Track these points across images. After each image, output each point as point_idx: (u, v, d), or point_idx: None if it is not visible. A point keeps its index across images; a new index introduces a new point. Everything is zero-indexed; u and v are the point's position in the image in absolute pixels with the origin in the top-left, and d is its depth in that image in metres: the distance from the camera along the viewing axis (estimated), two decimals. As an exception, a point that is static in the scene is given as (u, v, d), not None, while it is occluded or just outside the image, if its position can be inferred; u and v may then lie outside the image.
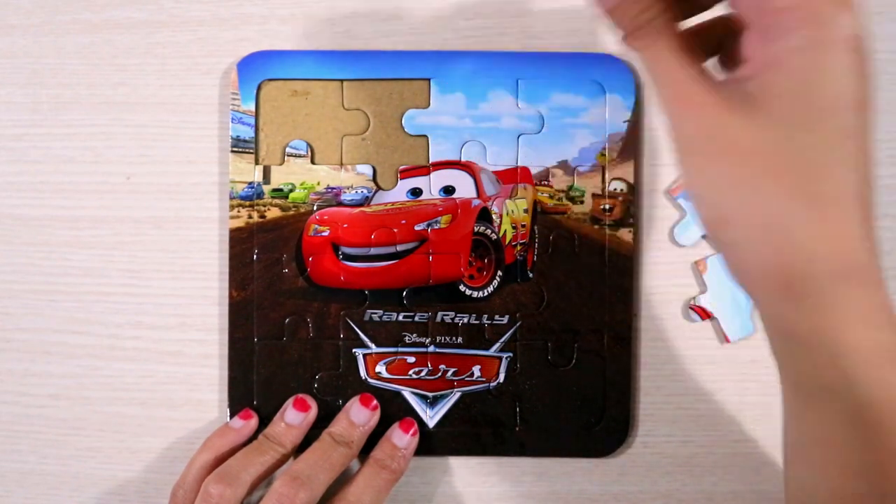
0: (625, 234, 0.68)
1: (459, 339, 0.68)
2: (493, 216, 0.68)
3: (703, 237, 0.69)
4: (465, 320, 0.68)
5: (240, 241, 0.68)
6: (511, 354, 0.68)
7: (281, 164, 0.68)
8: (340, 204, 0.68)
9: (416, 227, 0.68)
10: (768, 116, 0.44)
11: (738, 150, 0.45)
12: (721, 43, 0.50)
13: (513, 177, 0.68)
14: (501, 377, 0.68)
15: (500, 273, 0.68)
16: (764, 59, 0.44)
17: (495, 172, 0.68)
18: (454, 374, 0.68)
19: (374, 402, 0.68)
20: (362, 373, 0.68)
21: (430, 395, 0.68)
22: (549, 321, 0.68)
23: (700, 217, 0.47)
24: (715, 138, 0.45)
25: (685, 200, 0.68)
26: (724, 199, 0.46)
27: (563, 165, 0.68)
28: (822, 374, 0.46)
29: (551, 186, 0.68)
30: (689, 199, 0.48)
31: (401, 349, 0.68)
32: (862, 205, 0.44)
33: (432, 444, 0.69)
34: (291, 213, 0.68)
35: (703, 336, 0.69)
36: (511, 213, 0.68)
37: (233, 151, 0.68)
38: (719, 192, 0.46)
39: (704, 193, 0.47)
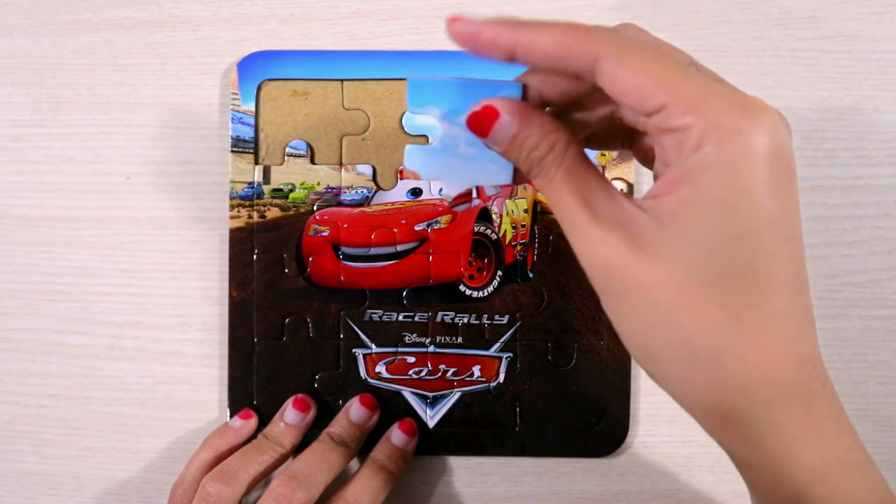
0: (625, 234, 0.68)
1: (459, 339, 0.68)
2: (493, 216, 0.68)
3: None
4: (465, 320, 0.68)
5: (240, 241, 0.68)
6: (511, 354, 0.68)
7: (281, 164, 0.68)
8: (340, 204, 0.68)
9: (416, 227, 0.68)
10: (679, 245, 0.41)
11: (646, 290, 0.42)
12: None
13: (513, 177, 0.68)
14: (501, 377, 0.68)
15: (500, 273, 0.68)
16: (673, 177, 0.41)
17: (496, 172, 0.68)
18: (454, 374, 0.68)
19: (374, 402, 0.68)
20: (362, 373, 0.68)
21: (429, 395, 0.68)
22: (549, 321, 0.68)
23: (629, 351, 0.45)
24: (619, 280, 0.43)
25: None
26: (646, 337, 0.44)
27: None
28: (776, 496, 0.46)
29: (552, 186, 0.68)
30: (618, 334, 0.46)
31: (401, 349, 0.68)
32: (796, 320, 0.42)
33: (432, 444, 0.69)
34: (291, 213, 0.68)
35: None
36: (511, 213, 0.68)
37: (233, 151, 0.68)
38: (639, 331, 0.44)
39: (624, 332, 0.45)
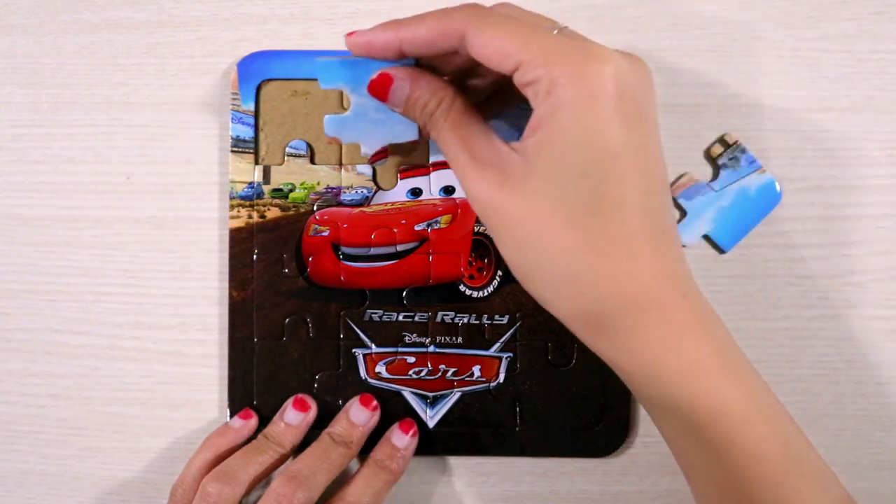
0: (625, 234, 0.68)
1: (459, 339, 0.68)
2: (494, 216, 0.68)
3: (704, 236, 0.69)
4: (465, 320, 0.68)
5: (240, 241, 0.68)
6: (511, 354, 0.68)
7: (281, 164, 0.68)
8: (340, 204, 0.68)
9: (416, 227, 0.68)
10: (540, 177, 0.49)
11: (516, 220, 0.50)
12: None
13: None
14: (501, 377, 0.68)
15: (500, 273, 0.68)
16: (533, 122, 0.49)
17: (496, 172, 0.68)
18: (454, 374, 0.68)
19: (374, 402, 0.68)
20: (362, 373, 0.68)
21: (430, 395, 0.68)
22: (550, 321, 0.67)
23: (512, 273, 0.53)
24: (496, 213, 0.51)
25: (685, 200, 0.68)
26: (521, 262, 0.52)
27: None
28: (648, 395, 0.53)
29: (552, 186, 0.68)
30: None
31: (401, 349, 0.68)
32: (648, 238, 0.50)
33: (432, 444, 0.69)
34: (291, 213, 0.68)
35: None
36: (511, 214, 0.68)
37: (233, 151, 0.68)
38: (516, 257, 0.52)
39: (507, 258, 0.52)
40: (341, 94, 0.68)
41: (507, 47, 0.48)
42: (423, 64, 0.55)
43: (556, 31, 0.51)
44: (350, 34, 0.54)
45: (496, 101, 0.59)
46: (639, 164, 0.49)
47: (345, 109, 0.67)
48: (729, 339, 0.53)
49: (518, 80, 0.49)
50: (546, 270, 0.51)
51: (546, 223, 0.49)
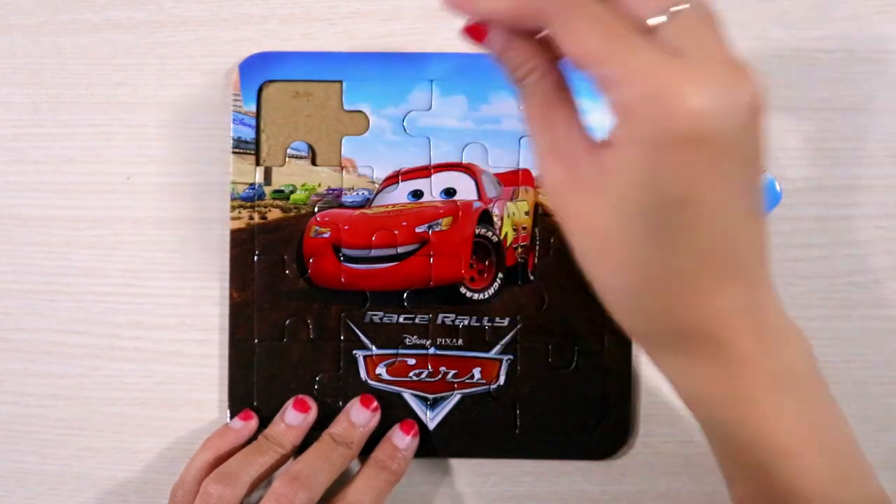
0: (625, 235, 0.68)
1: (460, 342, 0.68)
2: (495, 218, 0.68)
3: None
4: (466, 322, 0.68)
5: (241, 242, 0.68)
6: (511, 357, 0.68)
7: (282, 166, 0.68)
8: (341, 205, 0.68)
9: (417, 230, 0.68)
10: (613, 193, 0.44)
11: (578, 216, 0.46)
12: None
13: (514, 179, 0.68)
14: (502, 379, 0.68)
15: (500, 275, 0.68)
16: (614, 137, 0.43)
17: (497, 175, 0.68)
18: (454, 376, 0.68)
19: (375, 403, 0.68)
20: (362, 374, 0.68)
21: (430, 397, 0.68)
22: (550, 324, 0.68)
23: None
24: (559, 203, 0.47)
25: None
26: (584, 256, 0.47)
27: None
28: (697, 416, 0.50)
29: (553, 189, 0.68)
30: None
31: (401, 351, 0.68)
32: (734, 254, 0.45)
33: (432, 446, 0.69)
34: (292, 214, 0.68)
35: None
36: (512, 216, 0.68)
37: (234, 152, 0.68)
38: (578, 248, 0.47)
39: (570, 242, 0.48)
40: (341, 95, 0.68)
41: (590, 54, 0.42)
42: None
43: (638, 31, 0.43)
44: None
45: None
46: (720, 204, 0.43)
47: (344, 111, 0.67)
48: (802, 366, 0.49)
49: (598, 88, 0.43)
50: (611, 281, 0.47)
51: (612, 235, 0.45)
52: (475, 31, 0.48)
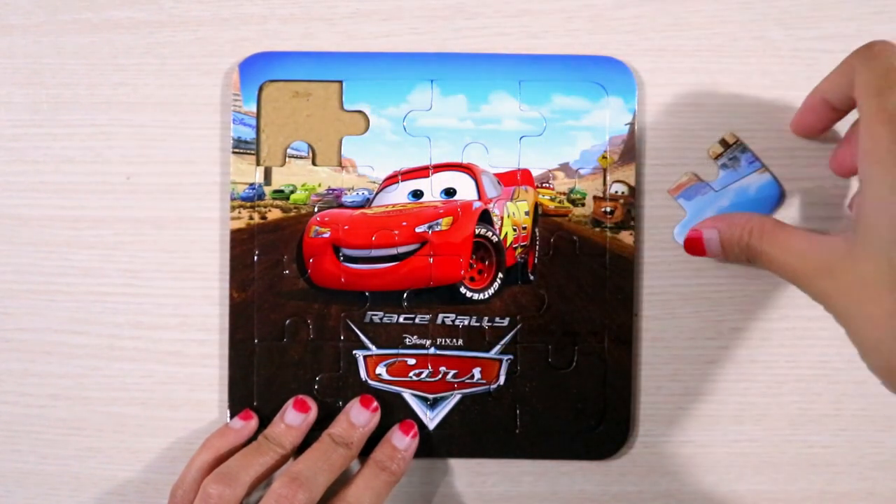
0: (626, 236, 0.68)
1: (460, 341, 0.68)
2: (494, 218, 0.68)
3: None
4: (466, 322, 0.68)
5: (240, 242, 0.68)
6: (511, 357, 0.68)
7: (282, 166, 0.68)
8: (341, 205, 0.68)
9: (417, 230, 0.68)
10: (874, 248, 0.51)
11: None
12: None
13: (514, 179, 0.68)
14: (502, 379, 0.68)
15: (500, 275, 0.68)
16: (859, 202, 0.53)
17: (497, 175, 0.68)
18: (454, 376, 0.68)
19: (375, 403, 0.68)
20: (362, 374, 0.68)
21: (430, 396, 0.68)
22: (550, 324, 0.68)
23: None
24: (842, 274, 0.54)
25: (685, 200, 0.68)
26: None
27: (564, 168, 0.68)
28: None
29: (552, 189, 0.68)
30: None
31: (401, 351, 0.68)
32: None
33: (432, 446, 0.69)
34: (292, 214, 0.68)
35: (703, 336, 0.69)
36: (512, 216, 0.68)
37: (234, 152, 0.68)
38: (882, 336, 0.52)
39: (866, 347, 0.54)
40: (341, 95, 0.68)
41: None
42: None
43: None
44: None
45: None
46: None
47: (344, 111, 0.67)
48: None
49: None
50: None
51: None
52: (695, 244, 0.65)
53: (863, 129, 0.53)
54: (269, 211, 0.68)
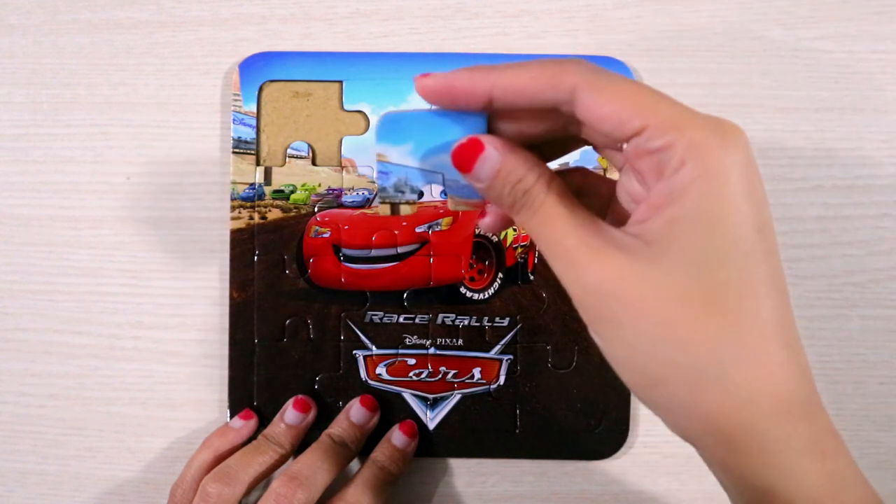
0: (625, 235, 0.68)
1: (460, 342, 0.68)
2: (494, 218, 0.68)
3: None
4: (466, 322, 0.68)
5: (241, 242, 0.68)
6: (511, 357, 0.68)
7: (282, 166, 0.68)
8: (341, 205, 0.68)
9: (417, 230, 0.68)
10: (673, 260, 0.42)
11: (642, 309, 0.42)
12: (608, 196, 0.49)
13: (514, 179, 0.68)
14: (502, 379, 0.68)
15: (500, 275, 0.68)
16: (657, 199, 0.42)
17: (496, 175, 0.68)
18: (454, 376, 0.68)
19: (374, 403, 0.68)
20: (362, 374, 0.68)
21: (430, 396, 0.68)
22: (550, 324, 0.68)
23: (624, 381, 0.44)
24: (614, 303, 0.42)
25: None
26: (646, 360, 0.43)
27: (564, 167, 0.68)
28: None
29: (552, 189, 0.68)
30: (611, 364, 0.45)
31: (401, 351, 0.68)
32: (785, 331, 0.42)
33: (432, 446, 0.69)
34: (292, 214, 0.68)
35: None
36: (512, 216, 0.68)
37: (234, 152, 0.68)
38: (638, 354, 0.43)
39: (621, 359, 0.44)
40: (341, 95, 0.68)
41: (629, 109, 0.41)
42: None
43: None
44: (423, 76, 0.46)
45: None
46: (772, 242, 0.42)
47: (344, 111, 0.67)
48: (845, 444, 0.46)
49: (638, 146, 0.42)
50: (683, 368, 0.42)
51: (683, 309, 0.41)
52: (467, 153, 0.45)
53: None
54: (269, 211, 0.68)
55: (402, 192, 0.48)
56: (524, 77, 0.44)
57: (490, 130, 0.46)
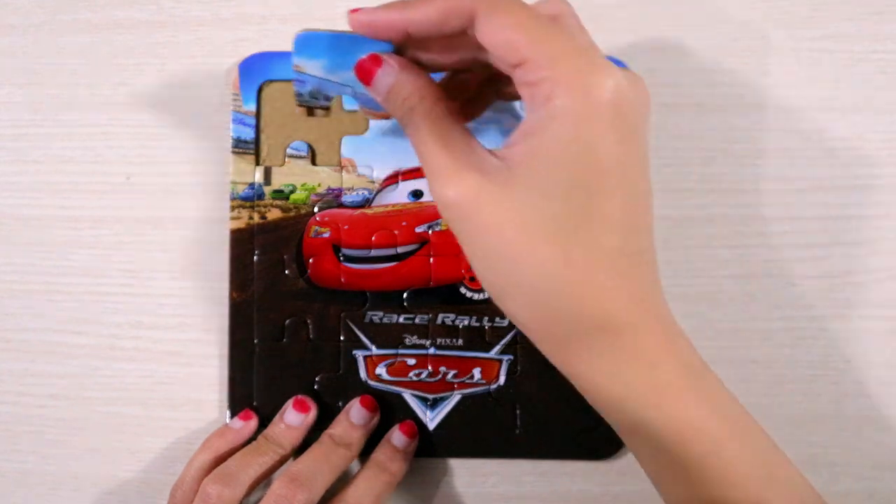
0: (625, 235, 0.68)
1: (460, 342, 0.68)
2: (495, 218, 0.68)
3: (704, 238, 0.69)
4: (466, 322, 0.68)
5: (240, 242, 0.68)
6: (512, 357, 0.68)
7: (282, 166, 0.68)
8: (341, 205, 0.68)
9: (417, 230, 0.67)
10: (524, 187, 0.46)
11: (492, 230, 0.47)
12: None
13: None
14: (502, 380, 0.68)
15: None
16: (526, 127, 0.47)
17: (497, 174, 0.68)
18: (454, 376, 0.68)
19: (375, 403, 0.68)
20: (362, 374, 0.68)
21: (430, 397, 0.68)
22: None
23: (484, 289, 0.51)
24: (470, 220, 0.48)
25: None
26: (494, 275, 0.49)
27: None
28: (618, 417, 0.53)
29: (552, 188, 0.68)
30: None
31: (401, 351, 0.68)
32: (628, 259, 0.48)
33: (432, 446, 0.69)
34: (292, 214, 0.68)
35: (703, 336, 0.69)
36: (512, 216, 0.68)
37: (234, 152, 0.68)
38: (488, 269, 0.49)
39: (477, 269, 0.50)
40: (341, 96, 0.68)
41: (516, 40, 0.46)
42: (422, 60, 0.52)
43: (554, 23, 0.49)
44: (354, 10, 0.51)
45: (478, 104, 0.59)
46: (626, 183, 0.47)
47: (343, 111, 0.67)
48: (699, 361, 0.52)
49: (519, 77, 0.47)
50: (519, 286, 0.48)
51: (525, 235, 0.47)
52: (368, 67, 0.51)
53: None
54: (269, 211, 0.68)
55: (317, 99, 0.56)
56: (431, 9, 0.48)
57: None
